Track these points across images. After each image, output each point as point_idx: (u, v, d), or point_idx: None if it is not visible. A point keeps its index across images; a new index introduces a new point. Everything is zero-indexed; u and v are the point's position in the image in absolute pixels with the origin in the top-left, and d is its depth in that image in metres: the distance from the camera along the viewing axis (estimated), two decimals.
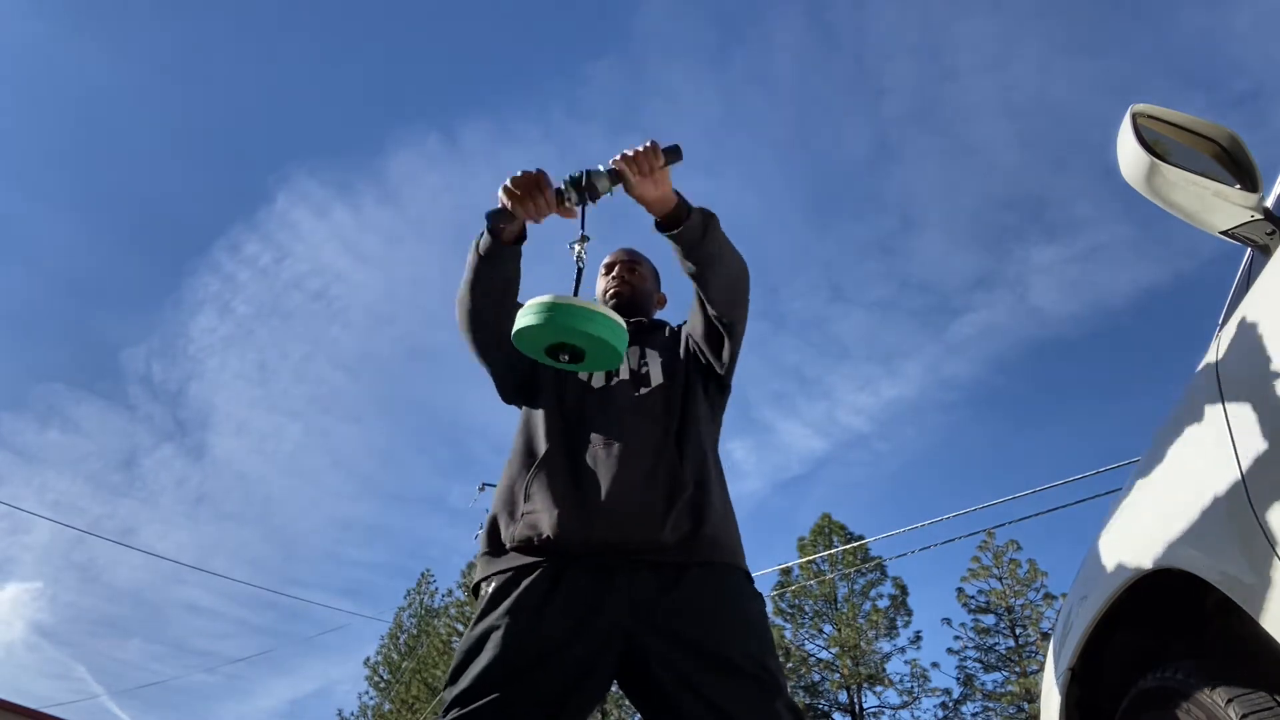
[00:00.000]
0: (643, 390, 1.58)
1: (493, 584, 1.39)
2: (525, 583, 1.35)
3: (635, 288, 1.86)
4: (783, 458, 38.56)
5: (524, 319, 1.20)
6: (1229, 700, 0.98)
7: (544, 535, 1.36)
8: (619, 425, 1.49)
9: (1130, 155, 1.21)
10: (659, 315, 1.92)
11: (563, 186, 1.39)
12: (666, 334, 1.77)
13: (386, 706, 27.51)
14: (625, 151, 1.40)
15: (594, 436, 1.48)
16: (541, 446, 1.49)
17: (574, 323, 1.18)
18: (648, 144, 1.40)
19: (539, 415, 1.57)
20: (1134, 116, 1.23)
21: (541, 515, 1.38)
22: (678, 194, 1.47)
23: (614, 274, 1.88)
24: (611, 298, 1.85)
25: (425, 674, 24.99)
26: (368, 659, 30.09)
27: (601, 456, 1.45)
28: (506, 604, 1.33)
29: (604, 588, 1.34)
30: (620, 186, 1.42)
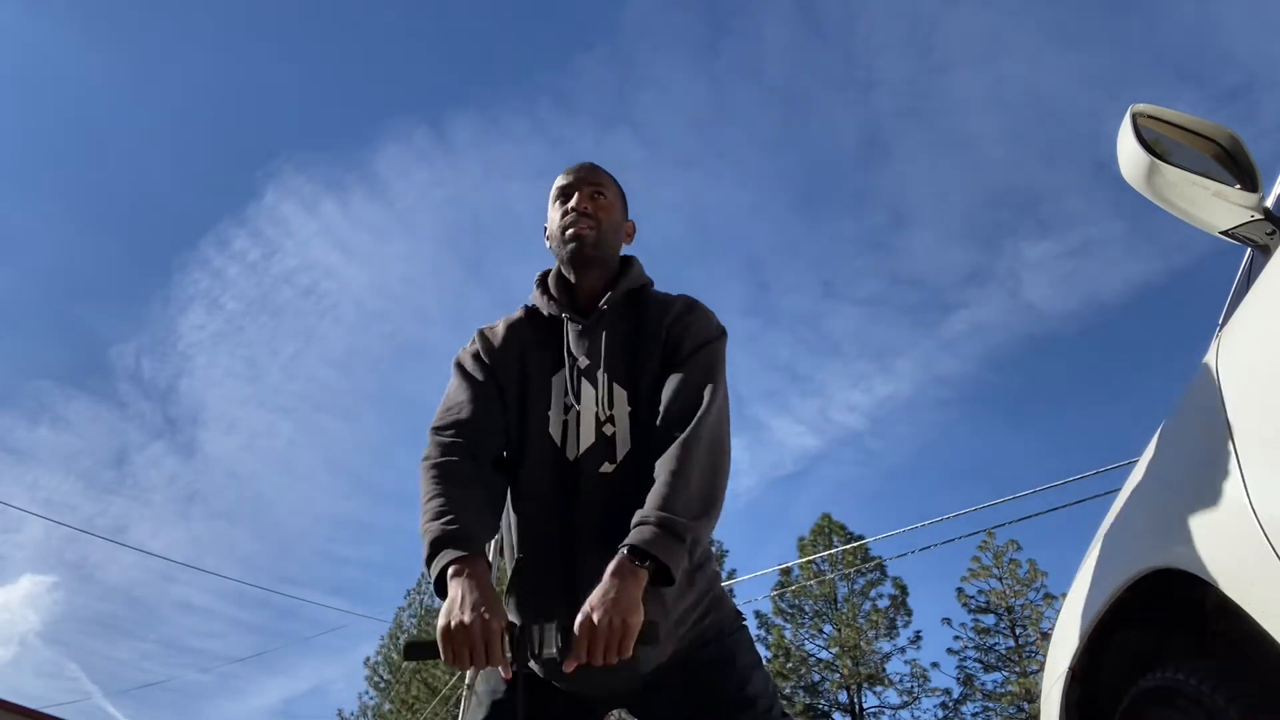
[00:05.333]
0: (608, 467, 1.39)
1: (479, 684, 1.43)
2: (507, 704, 1.36)
3: (601, 227, 1.50)
4: (776, 455, 38.55)
5: None
6: (1229, 700, 0.98)
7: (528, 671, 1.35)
8: (588, 519, 1.35)
9: (1130, 155, 1.21)
10: (627, 249, 1.61)
11: (507, 644, 1.20)
12: (645, 330, 1.48)
13: (386, 706, 27.53)
14: (594, 625, 1.15)
15: (563, 536, 1.36)
16: (516, 549, 1.43)
17: None
18: (621, 634, 1.15)
19: (513, 499, 1.46)
20: (1134, 116, 1.23)
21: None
22: (638, 559, 1.21)
23: (574, 205, 1.50)
24: (570, 239, 1.49)
25: (425, 674, 24.99)
26: (368, 659, 30.12)
27: (575, 567, 1.33)
28: (501, 697, 1.36)
29: (589, 706, 1.39)
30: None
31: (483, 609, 1.16)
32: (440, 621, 1.18)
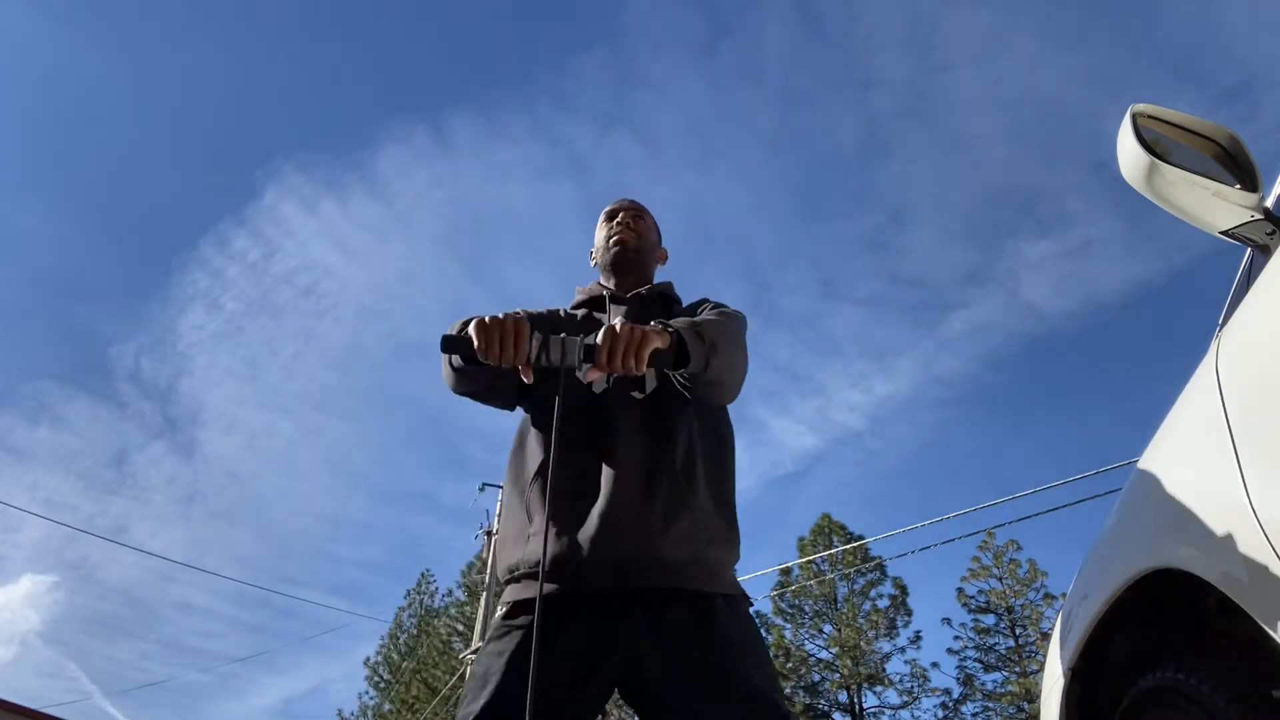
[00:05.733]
0: (639, 394, 1.53)
1: (504, 610, 1.44)
2: (530, 615, 1.37)
3: (641, 236, 1.81)
4: (776, 455, 38.50)
5: None
6: (1229, 700, 0.98)
7: (548, 564, 1.37)
8: (615, 437, 1.45)
9: (1130, 155, 1.21)
10: (661, 275, 1.87)
11: (536, 345, 1.29)
12: (671, 316, 1.70)
13: (386, 706, 27.52)
14: (615, 330, 1.26)
15: (590, 448, 1.44)
16: (539, 458, 1.48)
17: None
18: (639, 343, 1.26)
19: (537, 419, 1.56)
20: (1134, 116, 1.23)
21: (543, 539, 1.37)
22: (664, 326, 1.36)
23: (618, 220, 1.82)
24: (614, 245, 1.78)
25: (425, 674, 24.99)
26: (368, 659, 30.12)
27: (599, 472, 1.42)
28: (513, 637, 1.36)
29: (605, 623, 1.36)
30: (587, 365, 1.30)
31: (513, 313, 1.28)
32: (475, 319, 1.29)
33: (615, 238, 1.79)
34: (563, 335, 1.30)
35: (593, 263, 1.87)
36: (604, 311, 1.71)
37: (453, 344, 1.30)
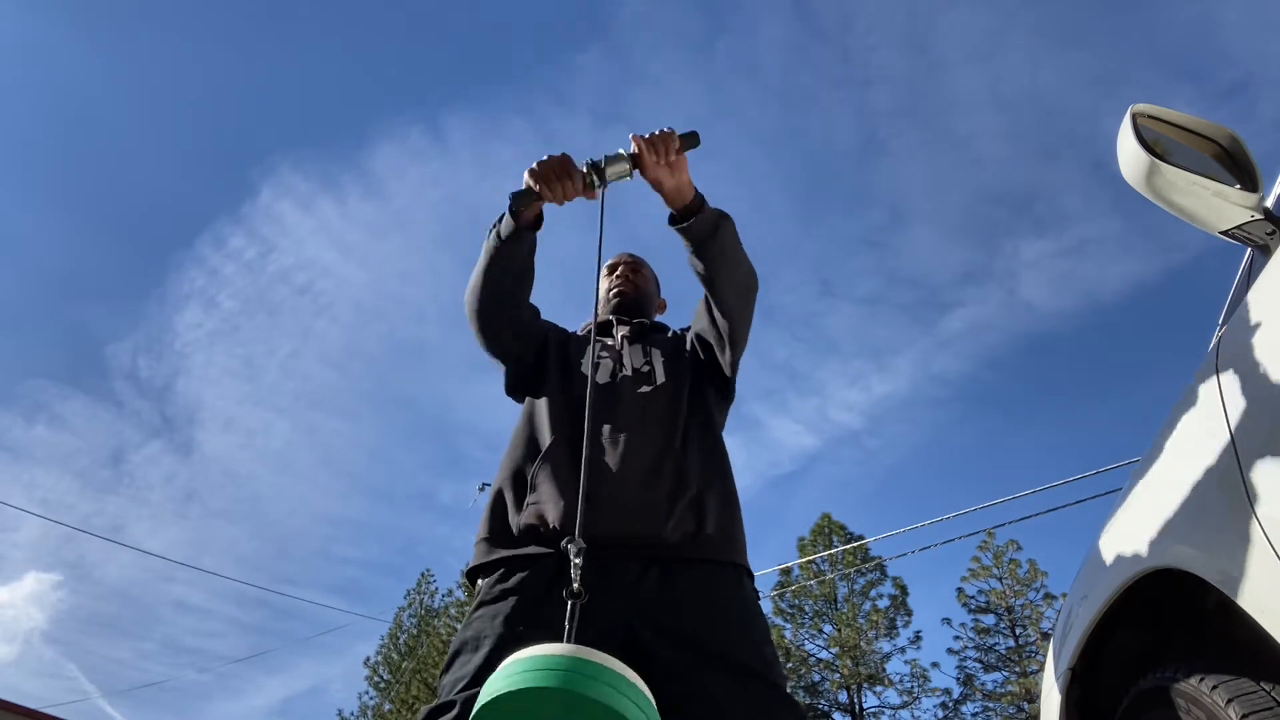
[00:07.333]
0: (646, 388, 1.59)
1: (494, 574, 1.40)
2: (526, 576, 1.35)
3: (639, 288, 1.92)
4: (774, 454, 38.22)
5: (518, 677, 0.75)
6: (1229, 700, 0.98)
7: (549, 525, 1.36)
8: (624, 421, 1.50)
9: (1130, 155, 1.21)
10: (659, 319, 1.93)
11: (585, 169, 1.43)
12: (669, 336, 1.78)
13: (386, 706, 27.52)
14: (642, 135, 1.45)
15: (600, 431, 1.48)
16: (547, 437, 1.50)
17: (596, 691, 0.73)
18: (665, 129, 1.45)
19: (543, 405, 1.58)
20: (1134, 116, 1.23)
21: (547, 505, 1.38)
22: (695, 189, 1.52)
23: (618, 274, 1.93)
24: (614, 296, 1.89)
25: (425, 674, 24.98)
26: (367, 659, 30.08)
27: (607, 451, 1.44)
28: (509, 599, 1.33)
29: (605, 585, 1.33)
30: (637, 171, 1.46)
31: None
32: (527, 172, 1.44)
33: (615, 290, 1.90)
34: (604, 155, 1.45)
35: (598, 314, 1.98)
36: (610, 335, 1.77)
37: (519, 198, 1.43)
